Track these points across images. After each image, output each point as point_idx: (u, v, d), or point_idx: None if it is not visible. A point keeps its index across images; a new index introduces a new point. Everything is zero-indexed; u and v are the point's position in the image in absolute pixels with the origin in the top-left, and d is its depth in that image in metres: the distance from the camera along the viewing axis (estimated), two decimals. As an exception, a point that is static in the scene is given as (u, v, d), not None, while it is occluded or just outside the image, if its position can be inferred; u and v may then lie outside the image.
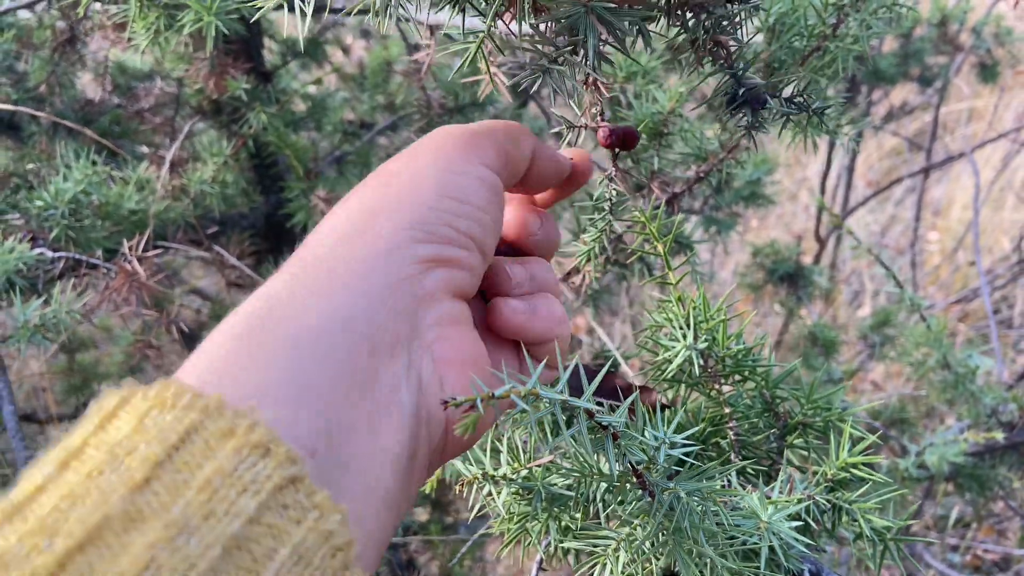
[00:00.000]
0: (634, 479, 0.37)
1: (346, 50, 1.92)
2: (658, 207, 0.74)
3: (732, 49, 0.43)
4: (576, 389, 0.50)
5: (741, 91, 0.44)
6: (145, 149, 1.06)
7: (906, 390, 1.80)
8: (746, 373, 0.56)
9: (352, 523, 0.29)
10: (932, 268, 2.94)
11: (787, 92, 0.49)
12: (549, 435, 0.34)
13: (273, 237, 1.05)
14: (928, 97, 2.34)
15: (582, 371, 0.35)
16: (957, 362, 1.00)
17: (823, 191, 2.07)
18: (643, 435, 0.39)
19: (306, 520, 0.27)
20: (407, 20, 0.40)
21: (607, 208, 0.54)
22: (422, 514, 1.38)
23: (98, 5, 1.00)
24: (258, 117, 0.89)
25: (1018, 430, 1.05)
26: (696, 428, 0.55)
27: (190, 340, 1.20)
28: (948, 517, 1.97)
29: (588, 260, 0.58)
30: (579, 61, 0.41)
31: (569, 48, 0.39)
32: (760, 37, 0.71)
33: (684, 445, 0.38)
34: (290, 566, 0.26)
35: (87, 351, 1.38)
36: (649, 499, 0.37)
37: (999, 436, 0.89)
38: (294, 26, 1.52)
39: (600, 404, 0.57)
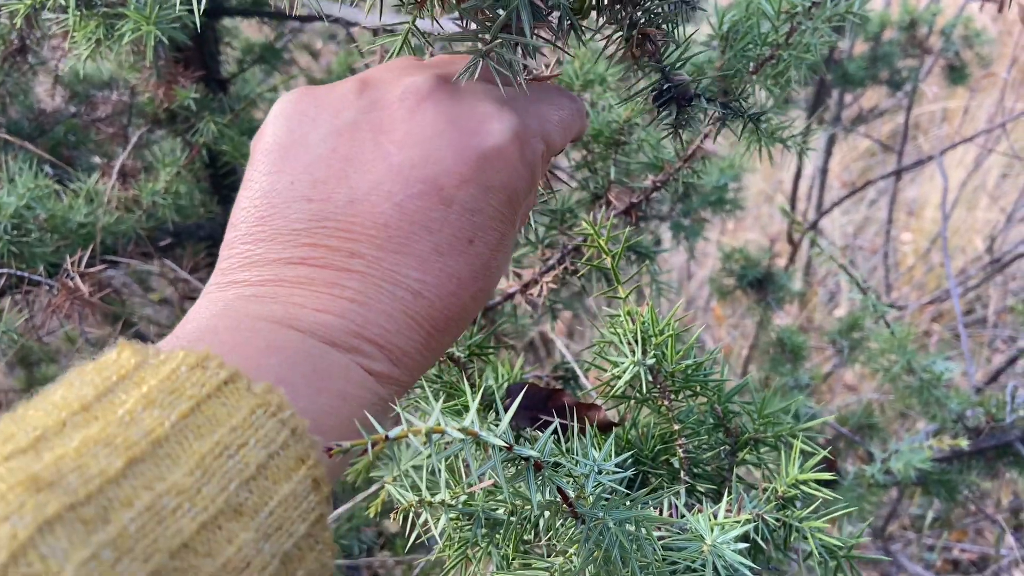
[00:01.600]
0: (565, 507, 0.36)
1: (315, 54, 1.90)
2: (610, 219, 0.73)
3: (659, 43, 0.42)
4: (524, 408, 0.49)
5: (667, 87, 0.43)
6: (98, 160, 1.03)
7: (877, 395, 1.80)
8: (697, 388, 0.55)
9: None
10: (906, 269, 2.95)
11: (722, 97, 0.47)
12: (472, 467, 0.33)
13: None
14: (899, 100, 2.35)
15: (504, 398, 0.33)
16: (921, 368, 0.99)
17: (795, 193, 2.07)
18: (582, 459, 0.38)
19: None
20: (327, 17, 0.39)
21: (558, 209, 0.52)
22: (393, 525, 1.36)
23: (50, 13, 0.98)
24: (207, 127, 0.87)
25: (984, 436, 1.05)
26: (642, 447, 0.53)
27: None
28: (925, 517, 1.97)
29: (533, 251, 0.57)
30: (512, 46, 0.40)
31: (501, 31, 0.38)
32: (715, 45, 0.71)
33: (616, 471, 0.37)
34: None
35: (48, 365, 1.35)
36: (582, 526, 0.36)
37: (963, 443, 0.89)
38: (259, 30, 1.50)
39: (536, 427, 0.56)
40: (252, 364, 0.33)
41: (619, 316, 0.55)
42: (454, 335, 0.41)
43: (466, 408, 0.51)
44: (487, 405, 0.53)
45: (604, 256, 0.54)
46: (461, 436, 0.29)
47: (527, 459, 0.33)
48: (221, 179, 1.00)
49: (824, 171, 2.44)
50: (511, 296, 0.77)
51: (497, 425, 0.36)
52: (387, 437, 0.28)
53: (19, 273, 0.73)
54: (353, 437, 0.33)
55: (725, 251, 1.40)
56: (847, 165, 3.60)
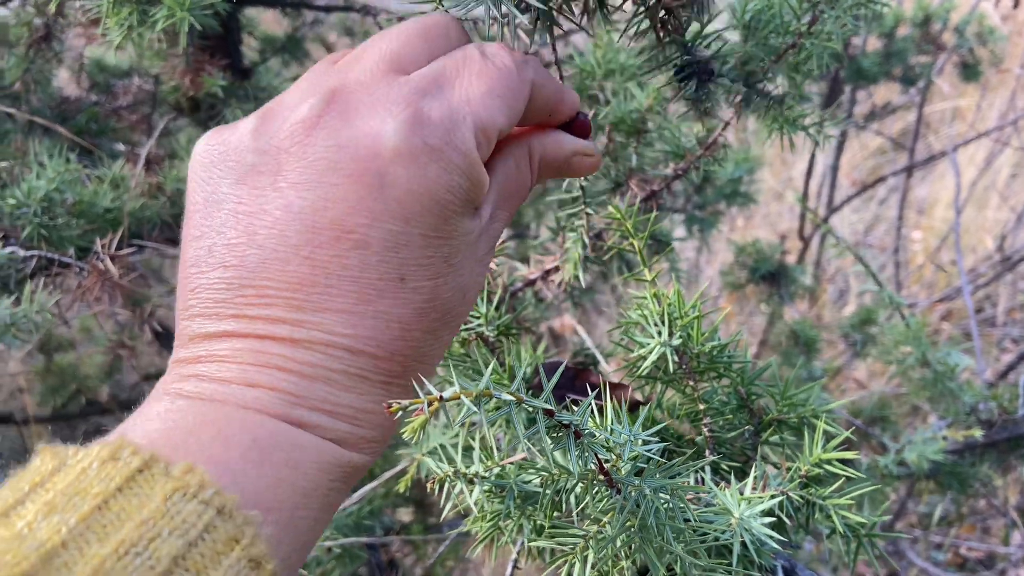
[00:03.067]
0: (600, 476, 0.37)
1: (329, 48, 1.92)
2: (635, 204, 0.74)
3: (682, 19, 0.43)
4: (553, 388, 0.50)
5: (688, 61, 0.44)
6: (122, 147, 1.05)
7: (888, 388, 1.80)
8: (721, 370, 0.56)
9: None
10: (916, 267, 2.95)
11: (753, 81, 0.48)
12: (520, 432, 0.34)
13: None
14: (911, 97, 2.35)
15: (542, 371, 0.34)
16: (936, 360, 1.00)
17: (806, 190, 2.08)
18: (611, 433, 0.39)
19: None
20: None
21: (580, 196, 0.53)
22: (405, 514, 1.38)
23: (74, 2, 0.99)
24: (234, 114, 0.88)
25: (997, 428, 1.06)
26: (665, 424, 0.54)
27: (167, 339, 1.19)
28: (932, 515, 1.97)
29: (575, 265, 0.58)
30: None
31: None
32: (736, 35, 0.71)
33: (651, 442, 0.38)
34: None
35: (66, 352, 1.37)
36: (616, 496, 0.37)
37: (978, 434, 0.90)
38: (276, 22, 1.51)
39: (569, 402, 0.57)
40: (177, 445, 0.31)
41: (645, 298, 0.55)
42: (428, 370, 0.37)
43: (503, 382, 0.52)
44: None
45: (631, 240, 0.55)
46: (509, 398, 0.30)
47: (568, 426, 0.34)
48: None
49: (835, 168, 2.44)
50: (532, 283, 0.78)
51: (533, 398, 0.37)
52: (441, 398, 0.29)
53: (49, 255, 0.75)
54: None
55: (738, 245, 1.41)
56: (857, 164, 3.60)
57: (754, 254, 1.39)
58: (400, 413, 0.29)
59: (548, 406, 0.31)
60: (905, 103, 2.44)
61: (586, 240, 0.57)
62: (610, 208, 0.55)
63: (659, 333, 0.53)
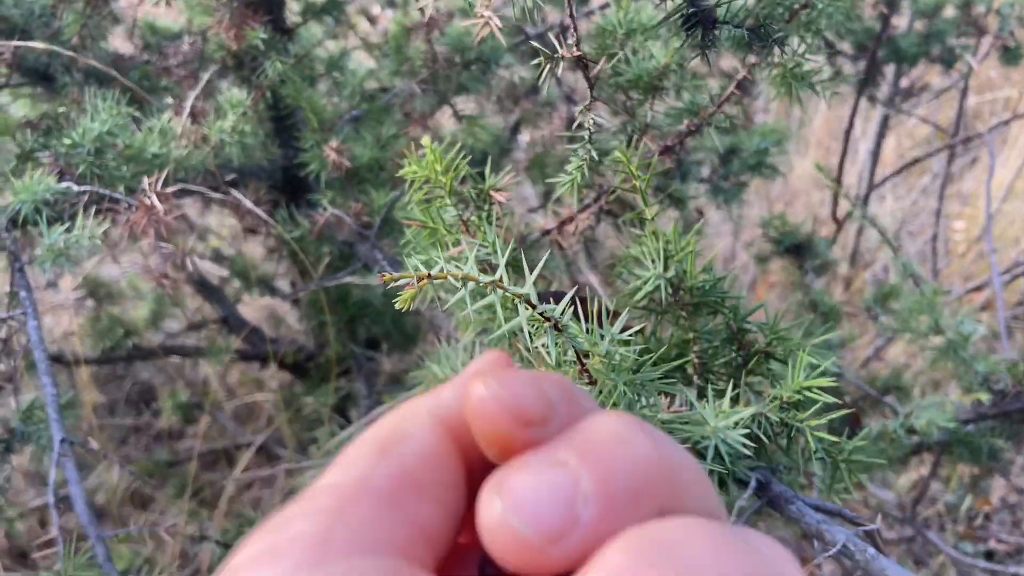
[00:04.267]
0: (578, 367, 0.41)
1: (372, 20, 1.97)
2: (649, 155, 0.78)
3: None
4: (545, 301, 0.54)
5: (693, 11, 0.47)
6: (170, 101, 1.11)
7: (904, 359, 1.81)
8: (714, 305, 0.59)
9: None
10: (956, 257, 2.92)
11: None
12: (500, 319, 0.38)
13: (289, 189, 1.09)
14: (955, 82, 2.32)
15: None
16: (950, 329, 1.02)
17: (841, 170, 2.07)
18: (596, 328, 0.43)
19: None
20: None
21: (587, 137, 0.57)
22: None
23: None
24: (274, 66, 0.94)
25: (1010, 398, 1.07)
26: (659, 351, 0.58)
27: (202, 285, 1.26)
28: (959, 506, 1.97)
29: (571, 188, 0.61)
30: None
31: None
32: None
33: (630, 341, 0.42)
34: None
35: (114, 301, 1.44)
36: (591, 387, 0.41)
37: (984, 397, 0.91)
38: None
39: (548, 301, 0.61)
40: None
41: (644, 235, 0.59)
42: None
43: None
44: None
45: (635, 182, 0.59)
46: (490, 279, 0.34)
47: (549, 319, 0.38)
48: (283, 122, 1.07)
49: (876, 154, 2.42)
50: (548, 232, 0.82)
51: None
52: (429, 275, 0.33)
53: (101, 191, 0.81)
54: None
55: (765, 219, 1.43)
56: (903, 153, 3.56)
57: (780, 227, 1.41)
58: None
59: (530, 294, 0.35)
60: (949, 86, 2.41)
61: (586, 171, 0.61)
62: (616, 152, 0.59)
63: (655, 266, 0.57)
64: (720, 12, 0.55)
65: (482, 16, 0.58)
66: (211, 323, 1.40)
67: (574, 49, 0.47)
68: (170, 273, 0.89)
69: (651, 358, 0.50)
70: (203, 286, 1.31)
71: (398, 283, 0.33)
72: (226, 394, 1.57)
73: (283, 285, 1.39)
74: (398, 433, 0.25)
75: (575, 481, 0.21)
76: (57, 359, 1.26)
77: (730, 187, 1.30)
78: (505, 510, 0.21)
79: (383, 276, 0.32)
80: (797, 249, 1.40)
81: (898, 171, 1.95)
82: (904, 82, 2.25)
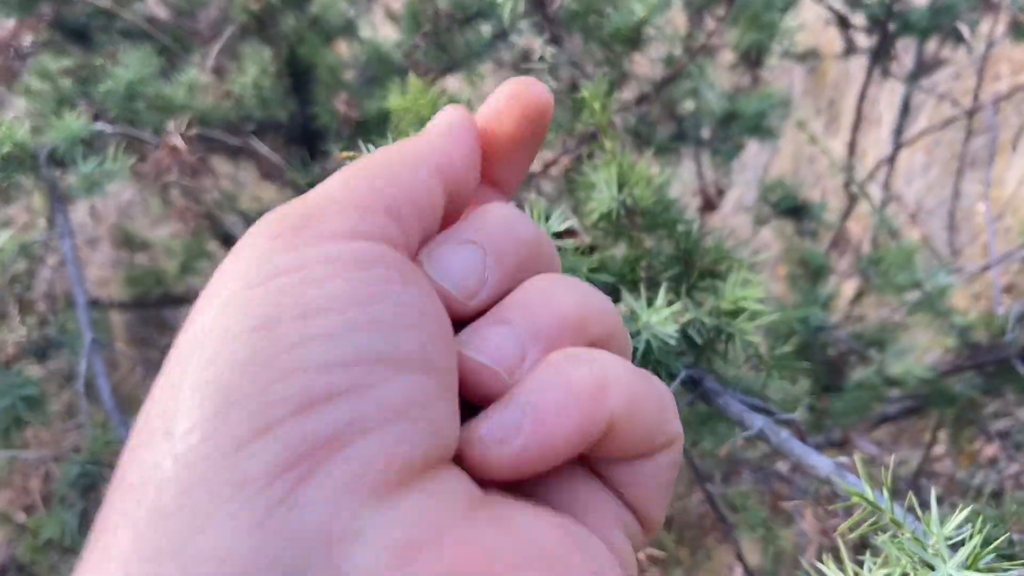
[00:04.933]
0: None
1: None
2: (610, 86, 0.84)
3: None
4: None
5: None
6: (198, 60, 1.20)
7: (888, 313, 1.84)
8: (665, 227, 0.66)
9: None
10: (976, 237, 2.92)
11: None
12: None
13: (305, 141, 1.17)
14: (974, 60, 2.33)
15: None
16: (925, 280, 1.07)
17: (852, 148, 2.10)
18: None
19: None
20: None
21: (545, 69, 0.63)
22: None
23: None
24: (287, 24, 1.02)
25: (984, 351, 1.12)
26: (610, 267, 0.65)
27: (227, 240, 1.35)
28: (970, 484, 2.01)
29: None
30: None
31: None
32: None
33: (568, 221, 0.49)
34: None
35: (147, 254, 1.54)
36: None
37: (949, 343, 0.96)
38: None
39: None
40: None
41: (603, 163, 0.66)
42: None
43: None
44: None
45: (596, 115, 0.66)
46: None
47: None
48: (300, 78, 1.15)
49: (898, 132, 2.44)
50: (532, 176, 0.89)
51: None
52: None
53: (131, 133, 0.89)
54: None
55: (765, 184, 1.48)
56: (934, 136, 3.55)
57: (779, 191, 1.46)
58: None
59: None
60: (967, 64, 2.42)
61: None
62: (584, 92, 0.65)
63: (610, 189, 0.64)
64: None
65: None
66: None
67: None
68: (193, 207, 0.97)
69: (597, 264, 0.57)
70: (228, 241, 1.41)
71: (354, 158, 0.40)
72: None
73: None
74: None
75: (483, 256, 0.26)
76: (95, 303, 1.36)
77: (729, 148, 1.35)
78: (438, 278, 0.26)
79: (341, 155, 0.40)
80: (795, 212, 1.45)
81: (903, 144, 1.98)
82: (925, 57, 2.27)
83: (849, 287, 2.70)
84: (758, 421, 0.56)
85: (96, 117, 0.91)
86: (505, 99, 0.30)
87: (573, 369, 0.24)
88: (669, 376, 0.58)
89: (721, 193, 2.32)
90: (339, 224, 0.24)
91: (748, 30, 0.73)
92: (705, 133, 1.36)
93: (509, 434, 0.23)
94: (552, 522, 0.24)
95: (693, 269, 0.65)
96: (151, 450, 0.20)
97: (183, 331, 0.23)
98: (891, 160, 2.18)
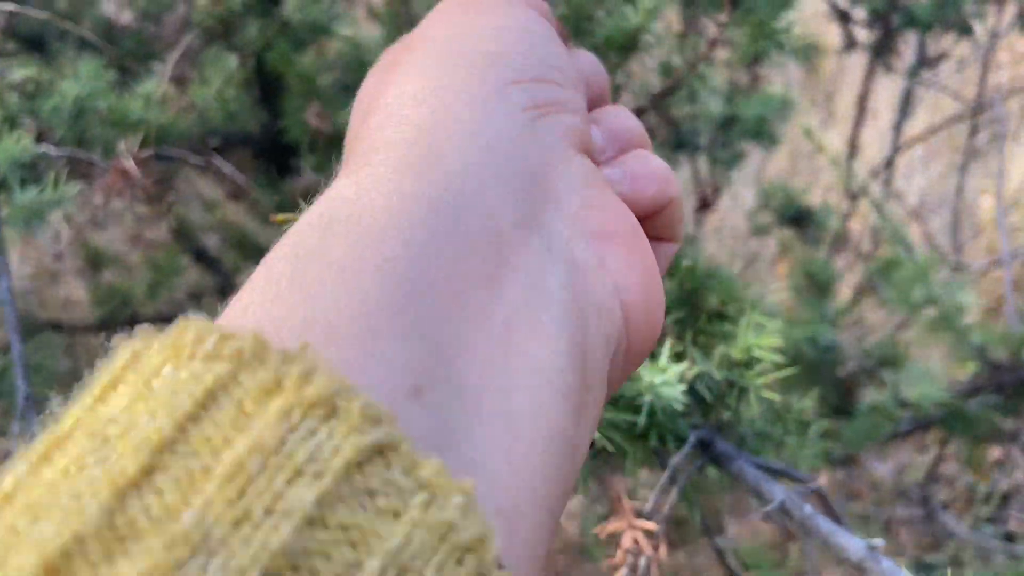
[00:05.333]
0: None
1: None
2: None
3: None
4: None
5: None
6: (158, 68, 1.12)
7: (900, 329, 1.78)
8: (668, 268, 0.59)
9: (498, 488, 0.19)
10: (981, 232, 2.86)
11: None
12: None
13: (277, 155, 1.10)
14: (978, 52, 2.26)
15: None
16: (942, 297, 1.00)
17: (854, 145, 2.04)
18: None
19: (407, 510, 0.17)
20: None
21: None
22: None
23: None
24: (250, 29, 0.94)
25: (1005, 370, 1.05)
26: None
27: (199, 255, 1.27)
28: (977, 488, 1.94)
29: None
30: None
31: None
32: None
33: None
34: None
35: (114, 272, 1.46)
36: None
37: (970, 367, 0.89)
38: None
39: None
40: None
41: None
42: None
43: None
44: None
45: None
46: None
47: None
48: (270, 87, 1.07)
49: (899, 127, 2.37)
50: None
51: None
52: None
53: (78, 155, 0.81)
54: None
55: (765, 189, 1.41)
56: (932, 128, 3.48)
57: (781, 197, 1.39)
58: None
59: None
60: (971, 58, 2.35)
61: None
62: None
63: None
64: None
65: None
66: (209, 294, 1.42)
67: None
68: (146, 235, 0.89)
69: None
70: (200, 256, 1.33)
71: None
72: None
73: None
74: None
75: (575, 74, 0.32)
76: (57, 326, 1.29)
77: (729, 156, 1.28)
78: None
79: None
80: (798, 219, 1.38)
81: (909, 144, 1.91)
82: (929, 51, 2.20)
83: (848, 282, 2.63)
84: (778, 492, 0.49)
85: (40, 138, 0.83)
86: None
87: (653, 160, 0.32)
88: (677, 440, 0.51)
89: (717, 191, 2.25)
90: None
91: (755, 38, 0.65)
92: (704, 138, 1.29)
93: (616, 180, 0.30)
94: None
95: (700, 311, 0.58)
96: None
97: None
98: (890, 162, 2.11)
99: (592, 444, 0.51)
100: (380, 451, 0.17)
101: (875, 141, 2.80)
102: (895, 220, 2.78)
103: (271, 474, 0.16)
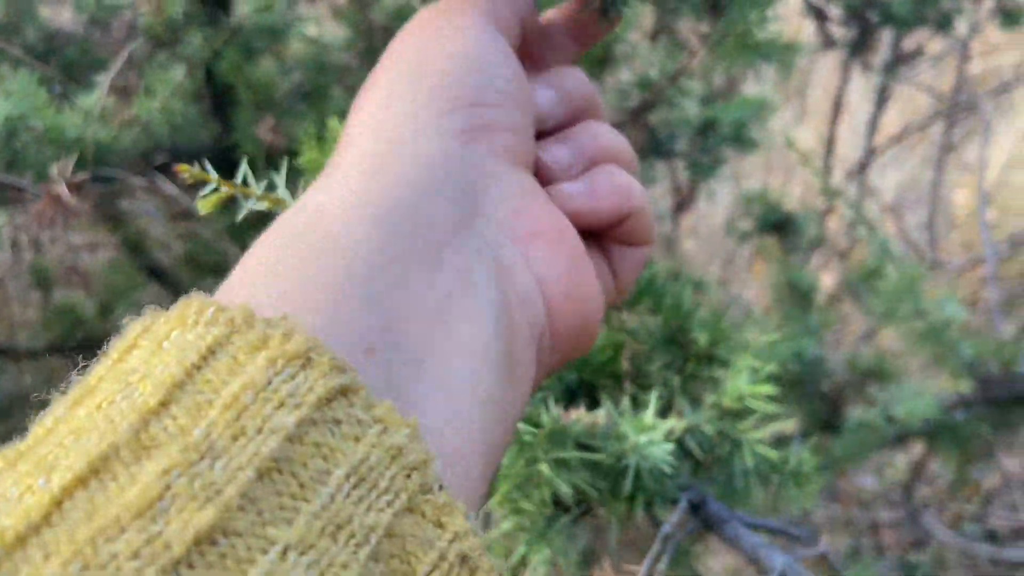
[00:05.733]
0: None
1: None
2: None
3: None
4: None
5: None
6: (101, 79, 1.04)
7: (896, 342, 1.75)
8: (652, 304, 0.54)
9: (436, 433, 0.24)
10: (957, 227, 2.85)
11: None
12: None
13: (231, 170, 1.03)
14: (954, 47, 2.24)
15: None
16: (931, 311, 0.96)
17: (831, 143, 2.00)
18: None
19: (365, 436, 0.22)
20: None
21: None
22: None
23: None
24: (194, 39, 0.87)
25: (997, 384, 1.01)
26: (588, 358, 0.52)
27: (154, 272, 1.20)
28: (955, 481, 1.92)
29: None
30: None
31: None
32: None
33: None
34: (348, 490, 0.21)
35: (62, 289, 1.39)
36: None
37: (964, 386, 0.86)
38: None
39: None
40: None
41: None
42: None
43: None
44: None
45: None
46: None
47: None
48: (222, 97, 1.01)
49: (873, 124, 2.34)
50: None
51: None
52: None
53: (5, 180, 0.75)
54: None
55: (746, 195, 1.36)
56: (907, 121, 3.47)
57: (762, 203, 1.35)
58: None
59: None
60: (946, 53, 2.33)
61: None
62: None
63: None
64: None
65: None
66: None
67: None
68: (79, 268, 0.83)
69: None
70: (155, 272, 1.26)
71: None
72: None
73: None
74: None
75: (558, 96, 0.36)
76: (4, 352, 1.21)
77: (708, 162, 1.23)
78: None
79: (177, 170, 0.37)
80: (780, 226, 1.34)
81: (888, 144, 1.88)
82: (902, 48, 2.17)
83: (825, 281, 2.61)
84: (778, 560, 0.44)
85: (-34, 161, 0.76)
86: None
87: (616, 175, 0.35)
88: (667, 503, 0.46)
89: (693, 193, 2.21)
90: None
91: (739, 49, 0.61)
92: (682, 144, 1.24)
93: (575, 194, 0.34)
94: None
95: (687, 354, 0.53)
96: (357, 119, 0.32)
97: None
98: (863, 167, 2.08)
99: (574, 507, 0.46)
100: (344, 392, 0.22)
101: (849, 135, 2.77)
102: (872, 219, 2.76)
103: (260, 404, 0.21)
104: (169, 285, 1.30)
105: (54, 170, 0.74)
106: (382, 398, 0.23)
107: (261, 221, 0.93)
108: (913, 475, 1.67)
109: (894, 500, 1.93)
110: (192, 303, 0.23)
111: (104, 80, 0.87)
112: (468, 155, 0.30)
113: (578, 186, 0.34)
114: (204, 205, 0.36)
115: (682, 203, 2.31)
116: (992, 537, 1.97)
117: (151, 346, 0.22)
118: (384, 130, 0.30)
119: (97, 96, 0.92)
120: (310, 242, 0.26)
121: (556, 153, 0.35)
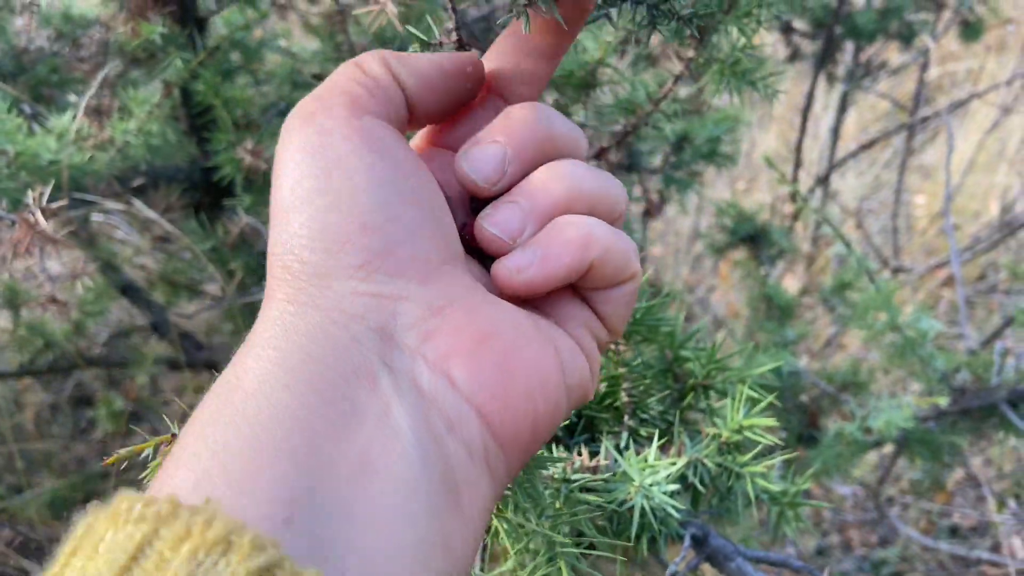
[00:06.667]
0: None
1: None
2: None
3: None
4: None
5: None
6: (74, 98, 1.02)
7: (872, 354, 1.78)
8: (647, 333, 0.54)
9: None
10: (918, 232, 2.90)
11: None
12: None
13: (209, 191, 1.01)
14: (915, 58, 2.29)
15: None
16: (906, 325, 0.97)
17: (799, 151, 2.03)
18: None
19: None
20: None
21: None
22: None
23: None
24: (173, 63, 0.86)
25: (970, 396, 1.03)
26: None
27: (126, 290, 1.18)
28: (924, 481, 1.96)
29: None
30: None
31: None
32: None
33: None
34: None
35: (33, 310, 1.35)
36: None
37: (942, 401, 0.87)
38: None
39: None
40: None
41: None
42: None
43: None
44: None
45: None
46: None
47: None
48: (199, 118, 0.99)
49: (836, 131, 2.38)
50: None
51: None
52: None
53: (-19, 208, 0.73)
54: None
55: (719, 206, 1.38)
56: (865, 127, 3.53)
57: (735, 215, 1.36)
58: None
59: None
60: (908, 63, 2.38)
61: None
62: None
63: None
64: None
65: (377, 2, 0.52)
66: (138, 330, 1.32)
67: (452, 35, 0.40)
68: (57, 296, 0.81)
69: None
70: (128, 290, 1.24)
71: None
72: (164, 401, 1.50)
73: (215, 289, 1.32)
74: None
75: (504, 153, 0.35)
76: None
77: (683, 177, 1.24)
78: (469, 171, 0.35)
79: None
80: (752, 238, 1.35)
81: (855, 152, 1.91)
82: (863, 58, 2.21)
83: (790, 285, 2.64)
84: (780, 594, 0.45)
85: (-63, 188, 0.74)
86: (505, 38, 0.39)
87: (568, 229, 0.33)
88: (672, 538, 0.46)
89: (663, 200, 2.22)
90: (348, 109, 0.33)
91: (727, 77, 0.61)
92: (656, 159, 1.25)
93: (524, 266, 0.33)
94: (527, 314, 0.34)
95: (684, 384, 0.53)
96: (273, 267, 0.31)
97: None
98: (826, 177, 2.11)
99: (575, 546, 0.46)
100: (268, 570, 0.23)
101: (809, 141, 2.81)
102: (837, 225, 2.81)
103: None
104: (143, 303, 1.28)
105: (29, 197, 0.73)
106: (306, 566, 0.24)
107: (236, 244, 0.91)
108: (881, 477, 1.70)
109: (861, 499, 1.97)
110: (124, 500, 0.25)
111: (79, 102, 0.85)
112: (371, 287, 0.30)
113: (526, 256, 0.33)
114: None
115: (651, 212, 2.33)
116: (954, 532, 2.01)
117: (89, 549, 0.24)
118: (288, 287, 0.31)
119: (70, 118, 0.90)
120: (227, 418, 0.27)
121: (502, 219, 0.34)
